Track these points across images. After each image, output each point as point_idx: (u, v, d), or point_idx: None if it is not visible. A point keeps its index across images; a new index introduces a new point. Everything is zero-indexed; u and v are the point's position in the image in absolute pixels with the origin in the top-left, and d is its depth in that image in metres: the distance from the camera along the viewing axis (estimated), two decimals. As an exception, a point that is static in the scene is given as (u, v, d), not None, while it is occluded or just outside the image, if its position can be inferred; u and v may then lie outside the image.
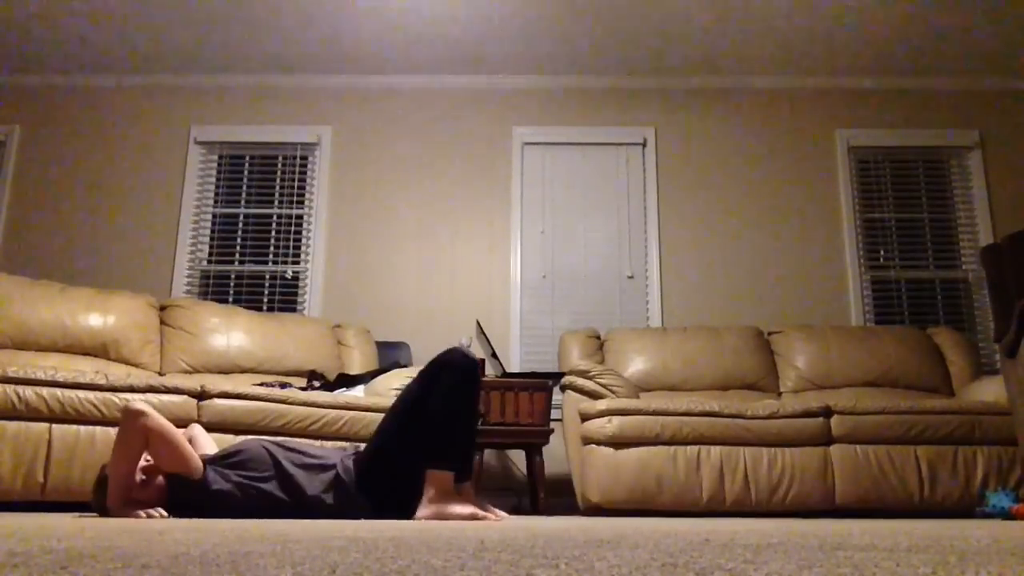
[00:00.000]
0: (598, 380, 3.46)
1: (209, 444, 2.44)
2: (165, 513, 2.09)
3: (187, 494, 2.12)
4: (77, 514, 2.35)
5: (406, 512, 2.22)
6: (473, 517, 2.16)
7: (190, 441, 2.35)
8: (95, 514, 2.20)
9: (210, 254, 4.73)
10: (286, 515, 2.17)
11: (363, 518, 2.20)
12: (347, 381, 3.62)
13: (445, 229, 4.71)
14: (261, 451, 2.22)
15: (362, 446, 2.41)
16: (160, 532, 1.18)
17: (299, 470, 2.21)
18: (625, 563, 0.70)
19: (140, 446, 2.07)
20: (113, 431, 2.74)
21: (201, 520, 1.95)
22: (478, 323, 3.91)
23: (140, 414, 2.05)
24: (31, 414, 2.76)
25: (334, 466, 2.24)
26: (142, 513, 2.03)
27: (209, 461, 2.18)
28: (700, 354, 4.03)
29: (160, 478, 2.13)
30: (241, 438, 3.00)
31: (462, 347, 2.34)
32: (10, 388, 2.75)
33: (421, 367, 2.40)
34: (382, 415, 3.15)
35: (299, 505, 2.18)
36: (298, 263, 4.71)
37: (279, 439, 2.33)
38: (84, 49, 4.64)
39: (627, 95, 4.90)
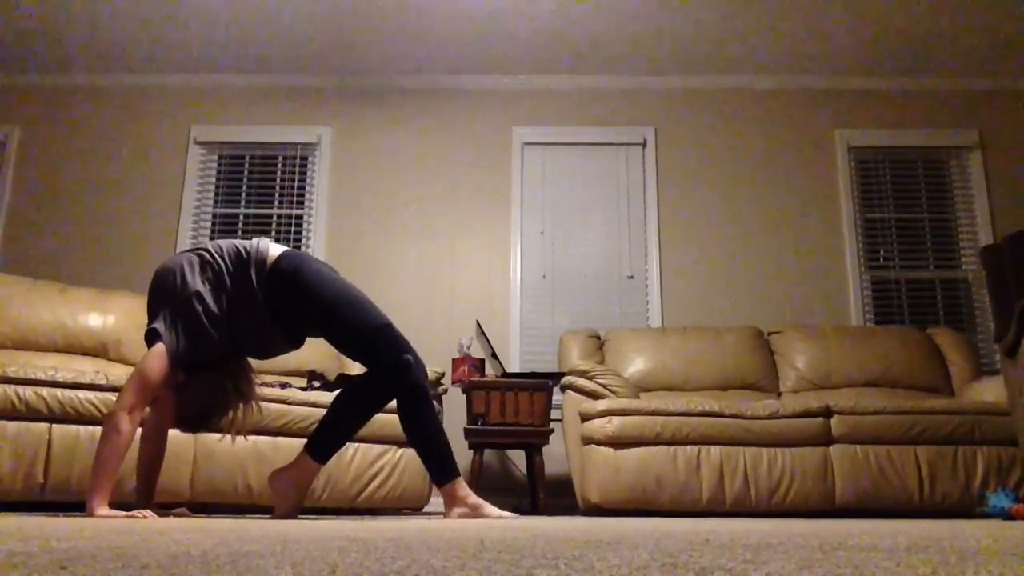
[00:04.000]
0: (598, 380, 3.46)
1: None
2: (152, 513, 2.10)
3: (192, 383, 2.25)
4: (77, 514, 2.35)
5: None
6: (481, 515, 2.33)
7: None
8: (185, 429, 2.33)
9: (210, 254, 4.73)
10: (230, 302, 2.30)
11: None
12: (347, 381, 3.62)
13: (445, 229, 4.71)
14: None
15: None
16: (160, 532, 1.19)
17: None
18: (625, 563, 0.70)
19: (131, 435, 2.14)
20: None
21: (201, 520, 1.95)
22: (478, 323, 3.91)
23: (121, 421, 2.11)
24: (31, 414, 2.76)
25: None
26: (138, 514, 2.04)
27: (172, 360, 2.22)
28: (700, 354, 4.03)
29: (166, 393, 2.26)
30: (237, 438, 3.00)
31: (406, 360, 2.35)
32: (10, 388, 2.75)
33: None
34: (381, 415, 3.16)
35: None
36: (298, 263, 4.71)
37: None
38: (84, 49, 4.64)
39: (627, 95, 4.90)
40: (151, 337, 2.20)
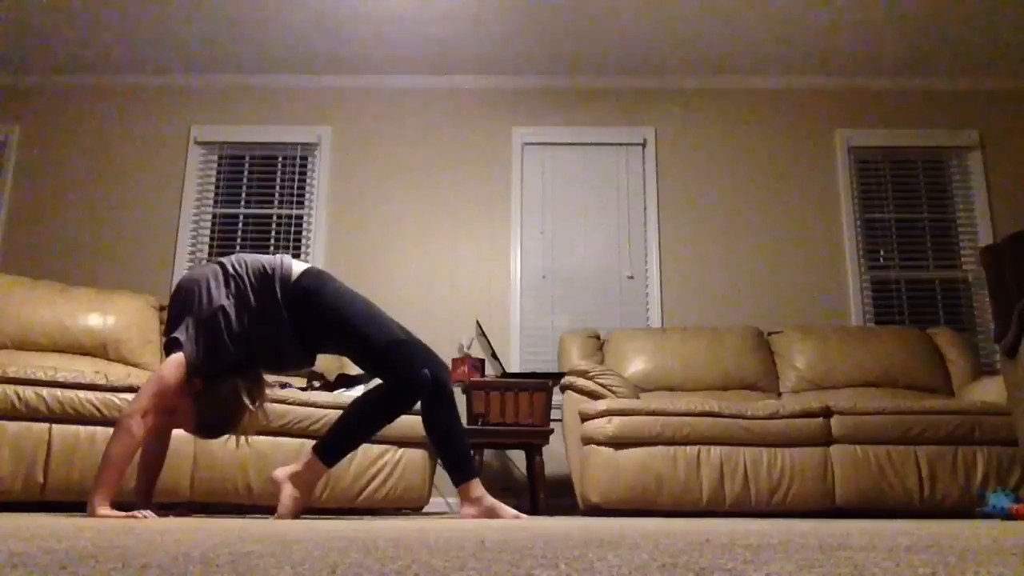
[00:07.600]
0: (598, 380, 3.46)
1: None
2: (152, 513, 2.11)
3: (206, 392, 2.25)
4: (77, 514, 2.35)
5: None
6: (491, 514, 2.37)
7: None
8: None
9: (210, 254, 4.73)
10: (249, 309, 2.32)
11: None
12: (347, 381, 3.62)
13: (445, 229, 4.71)
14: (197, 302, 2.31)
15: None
16: (160, 532, 1.19)
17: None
18: (625, 563, 0.70)
19: (140, 438, 2.14)
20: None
21: (201, 520, 1.95)
22: (478, 323, 3.91)
23: (134, 424, 2.11)
24: (31, 414, 2.76)
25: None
26: (138, 514, 2.05)
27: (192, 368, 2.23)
28: (700, 354, 4.03)
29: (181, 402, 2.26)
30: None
31: (423, 372, 2.37)
32: (10, 388, 2.75)
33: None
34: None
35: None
36: (298, 263, 4.70)
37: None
38: (84, 49, 4.64)
39: (627, 95, 4.90)
40: (171, 346, 2.23)
